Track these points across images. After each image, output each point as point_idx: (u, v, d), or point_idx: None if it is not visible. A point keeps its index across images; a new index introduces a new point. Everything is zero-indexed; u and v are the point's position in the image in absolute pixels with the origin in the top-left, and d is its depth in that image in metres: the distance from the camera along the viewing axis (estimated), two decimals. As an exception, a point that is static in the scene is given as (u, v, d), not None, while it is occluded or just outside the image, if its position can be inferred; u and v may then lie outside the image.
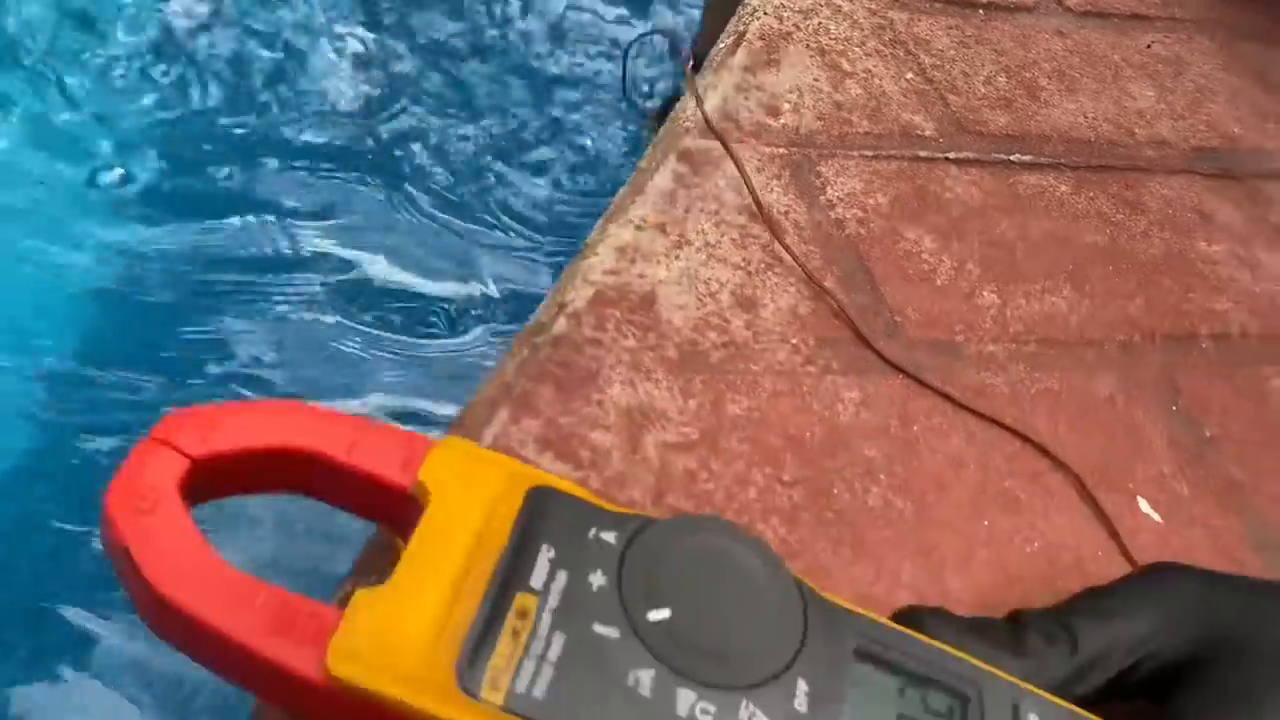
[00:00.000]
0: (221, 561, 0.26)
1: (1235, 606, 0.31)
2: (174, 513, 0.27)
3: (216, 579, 0.26)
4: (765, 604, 0.28)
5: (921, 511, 0.39)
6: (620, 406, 0.39)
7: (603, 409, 0.39)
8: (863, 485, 0.39)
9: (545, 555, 0.28)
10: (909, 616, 0.31)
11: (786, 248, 0.46)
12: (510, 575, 0.27)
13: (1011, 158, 0.55)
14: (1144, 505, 0.42)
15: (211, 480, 0.28)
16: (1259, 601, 0.31)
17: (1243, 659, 0.29)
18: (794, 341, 0.43)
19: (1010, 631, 0.31)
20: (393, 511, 0.29)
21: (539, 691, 0.25)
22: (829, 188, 0.50)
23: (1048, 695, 0.30)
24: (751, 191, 0.47)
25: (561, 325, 0.41)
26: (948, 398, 0.43)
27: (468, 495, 0.29)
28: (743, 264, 0.45)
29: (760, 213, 0.47)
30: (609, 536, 0.29)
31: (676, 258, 0.45)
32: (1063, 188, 0.55)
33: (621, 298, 0.42)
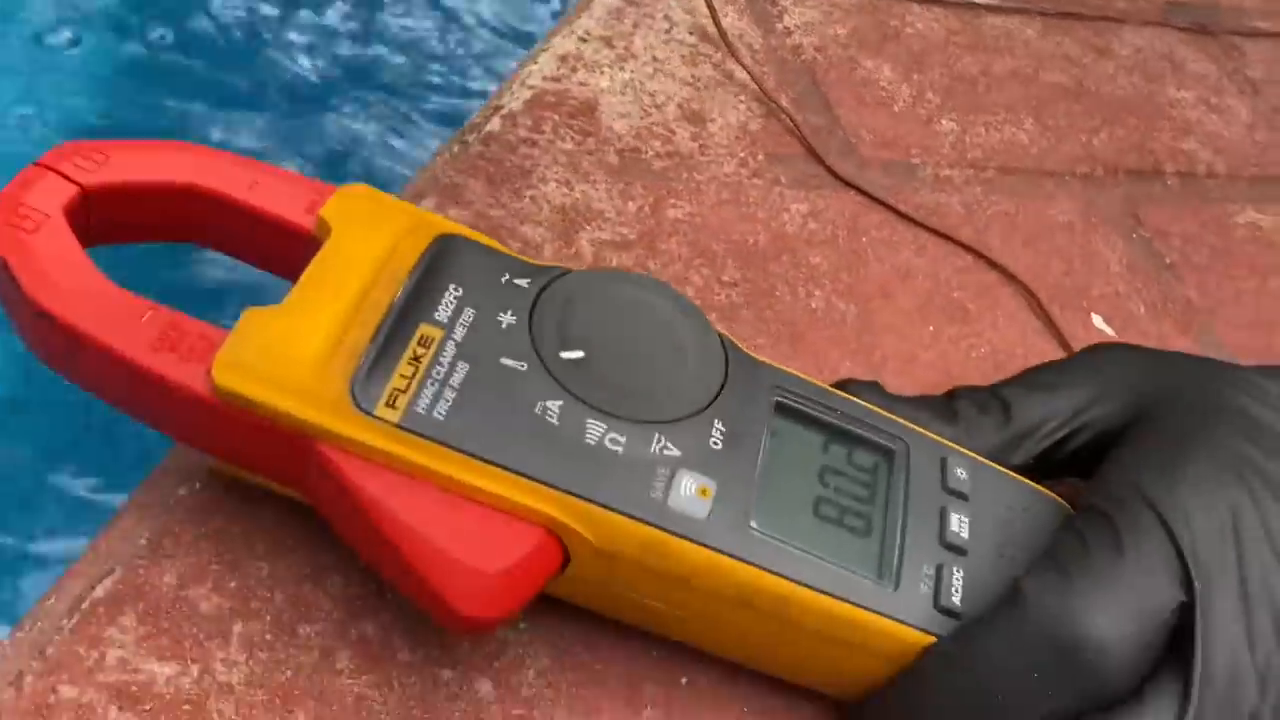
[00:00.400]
0: (107, 281, 0.25)
1: (1168, 374, 0.29)
2: (58, 234, 0.25)
3: (100, 295, 0.25)
4: (685, 351, 0.27)
5: (865, 316, 0.38)
6: (554, 204, 0.38)
7: (535, 204, 0.37)
8: (806, 289, 0.38)
9: (452, 293, 0.27)
10: (843, 385, 0.30)
11: (741, 62, 0.44)
12: (414, 306, 0.26)
13: (977, 0, 0.54)
14: (1098, 321, 0.41)
15: (103, 216, 0.27)
16: (1191, 368, 0.30)
17: (1167, 414, 0.28)
18: (742, 155, 0.42)
19: (943, 401, 0.30)
20: (293, 259, 0.28)
21: (439, 413, 0.24)
22: (786, 16, 0.48)
23: (977, 456, 0.29)
24: (710, 7, 0.45)
25: (495, 124, 0.39)
26: (899, 212, 0.42)
27: (371, 232, 0.27)
28: (692, 80, 0.44)
29: (717, 28, 0.45)
30: (522, 282, 0.28)
31: (622, 69, 0.43)
32: (1029, 31, 0.53)
33: (561, 102, 0.41)
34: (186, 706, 0.24)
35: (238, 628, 0.26)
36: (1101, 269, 0.43)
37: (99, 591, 0.26)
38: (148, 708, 0.24)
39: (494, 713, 0.26)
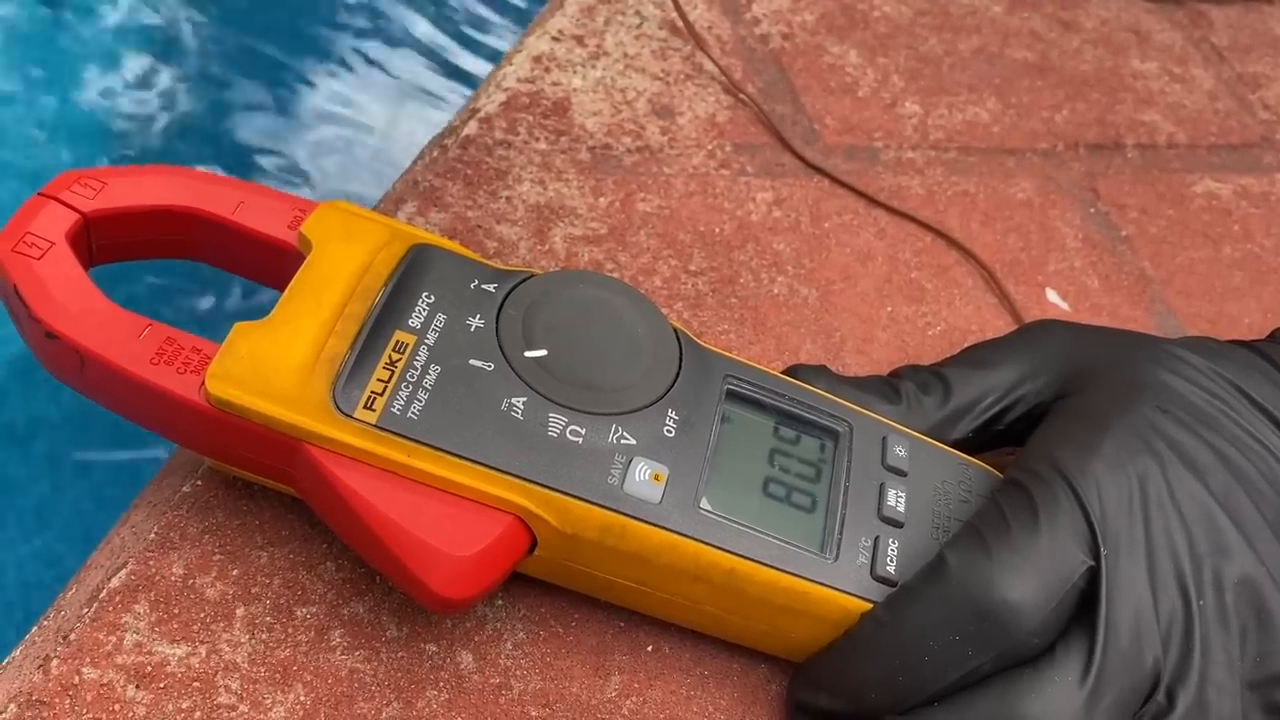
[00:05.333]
0: (110, 302, 0.27)
1: (1097, 349, 0.32)
2: (63, 259, 0.28)
3: (103, 315, 0.27)
4: (641, 345, 0.30)
5: (826, 299, 0.40)
6: (529, 203, 0.40)
7: (511, 205, 0.39)
8: (769, 275, 0.40)
9: (425, 300, 0.29)
10: (792, 371, 0.32)
11: (708, 55, 0.46)
12: (388, 314, 0.28)
13: (945, -20, 0.55)
14: (1052, 295, 0.43)
15: (102, 239, 0.30)
16: (1119, 342, 0.32)
17: (1091, 388, 0.30)
18: (710, 147, 0.44)
19: (886, 382, 0.32)
20: (279, 270, 0.30)
21: (413, 413, 0.27)
22: (754, 5, 0.50)
23: (916, 433, 0.31)
24: (676, 3, 0.47)
25: (472, 128, 0.41)
26: (861, 194, 0.43)
27: (349, 246, 0.30)
28: (661, 75, 0.46)
29: (684, 22, 0.47)
30: (490, 287, 0.30)
31: (593, 67, 0.45)
32: (996, 8, 0.55)
33: (535, 104, 0.43)
34: (196, 683, 0.27)
35: (240, 611, 0.28)
36: (1058, 244, 0.45)
37: (114, 582, 0.28)
38: (162, 685, 0.27)
39: (475, 682, 0.28)
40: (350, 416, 0.26)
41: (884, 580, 0.28)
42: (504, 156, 0.41)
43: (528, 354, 0.28)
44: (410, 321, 0.28)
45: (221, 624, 0.28)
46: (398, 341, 0.28)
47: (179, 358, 0.27)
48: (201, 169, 0.31)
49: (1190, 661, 0.26)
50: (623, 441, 0.28)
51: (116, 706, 0.26)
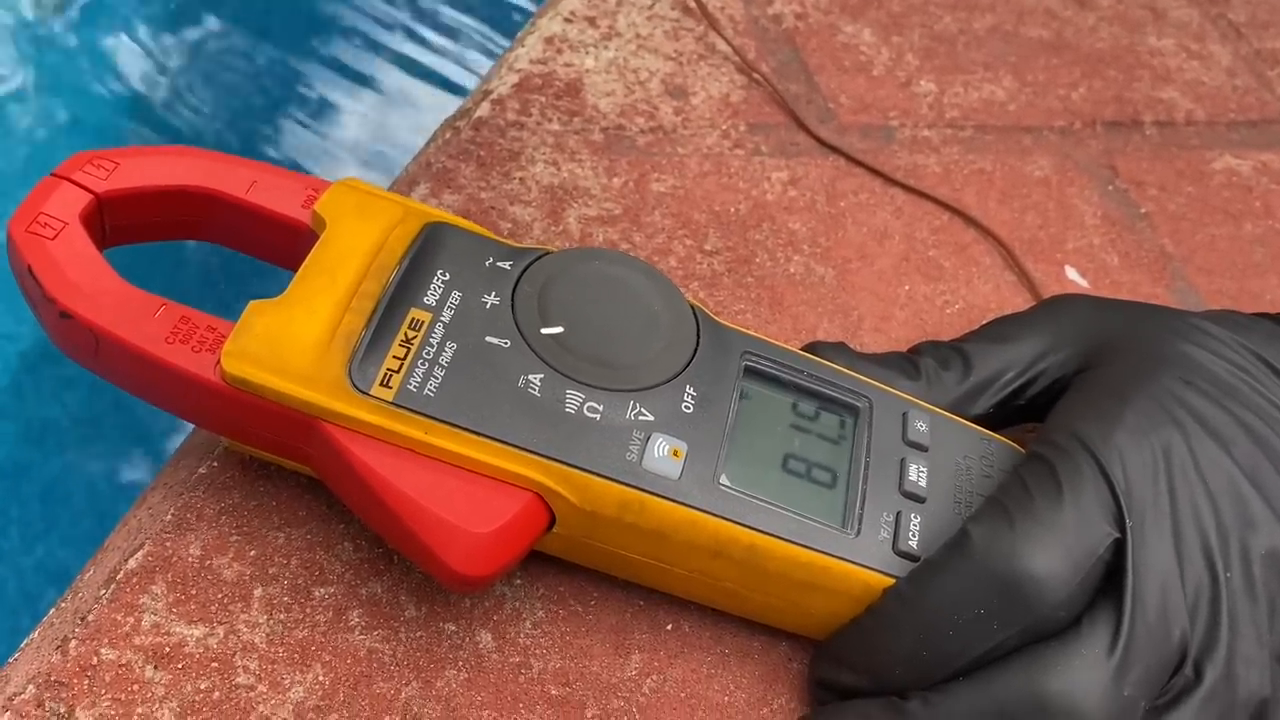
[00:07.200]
0: (124, 281, 0.27)
1: (1118, 322, 0.31)
2: (76, 239, 0.28)
3: (118, 295, 0.27)
4: (658, 321, 0.29)
5: (843, 278, 0.40)
6: (542, 184, 0.39)
7: (524, 185, 0.39)
8: (785, 255, 0.40)
9: (440, 277, 0.29)
10: (812, 348, 0.32)
11: (721, 35, 0.46)
12: (404, 292, 0.28)
13: (959, -42, 0.55)
14: (1072, 273, 0.42)
15: (116, 220, 0.29)
16: (1141, 315, 0.31)
17: (1113, 361, 0.29)
18: (724, 127, 0.43)
19: (906, 358, 0.32)
20: (293, 250, 0.30)
21: (430, 390, 0.27)
22: (766, -15, 0.50)
23: (937, 409, 0.31)
24: (683, -15, 0.46)
25: (485, 110, 0.41)
26: (877, 173, 0.43)
27: (363, 224, 0.29)
28: (674, 55, 0.45)
29: (695, 0, 0.46)
30: (505, 264, 0.30)
31: (606, 48, 0.45)
32: (1011, -14, 0.54)
33: (547, 84, 0.43)
34: (214, 664, 0.27)
35: (258, 592, 0.28)
36: (1077, 221, 0.44)
37: (131, 563, 0.28)
38: (180, 666, 0.27)
39: (494, 661, 0.28)
40: (366, 394, 0.26)
41: (906, 555, 0.27)
42: (517, 138, 0.40)
43: (544, 330, 0.28)
44: (425, 299, 0.28)
45: (239, 604, 0.28)
46: (413, 319, 0.28)
47: (194, 336, 0.27)
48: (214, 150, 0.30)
49: (1218, 634, 0.25)
50: (641, 418, 0.27)
51: (135, 687, 0.26)
